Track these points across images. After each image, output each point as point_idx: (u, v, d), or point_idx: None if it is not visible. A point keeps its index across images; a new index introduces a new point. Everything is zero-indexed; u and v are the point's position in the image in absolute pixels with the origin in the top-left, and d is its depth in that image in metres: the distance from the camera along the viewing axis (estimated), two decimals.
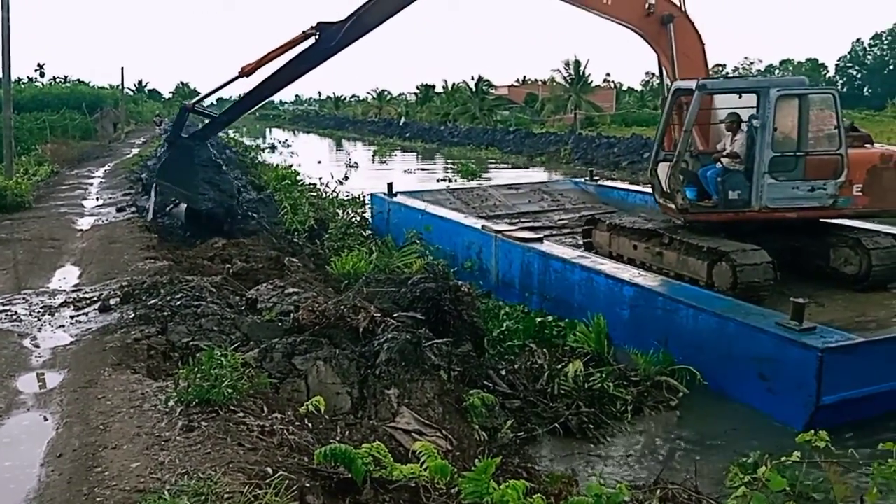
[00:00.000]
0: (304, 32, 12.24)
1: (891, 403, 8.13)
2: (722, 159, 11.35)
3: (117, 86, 60.28)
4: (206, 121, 14.00)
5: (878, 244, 10.85)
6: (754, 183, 10.89)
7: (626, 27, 12.72)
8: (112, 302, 8.21)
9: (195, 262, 10.50)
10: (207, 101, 14.70)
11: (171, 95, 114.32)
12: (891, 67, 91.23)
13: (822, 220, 11.53)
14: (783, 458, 4.37)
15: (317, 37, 12.18)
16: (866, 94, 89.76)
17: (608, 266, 11.14)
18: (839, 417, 7.85)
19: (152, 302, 7.86)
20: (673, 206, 11.47)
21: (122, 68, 77.76)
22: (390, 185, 18.04)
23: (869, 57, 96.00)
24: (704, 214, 11.32)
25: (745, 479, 4.35)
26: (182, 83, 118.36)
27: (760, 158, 10.80)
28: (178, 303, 7.68)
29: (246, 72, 12.81)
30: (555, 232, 15.46)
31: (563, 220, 16.85)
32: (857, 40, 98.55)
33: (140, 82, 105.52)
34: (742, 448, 7.42)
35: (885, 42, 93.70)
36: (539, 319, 10.86)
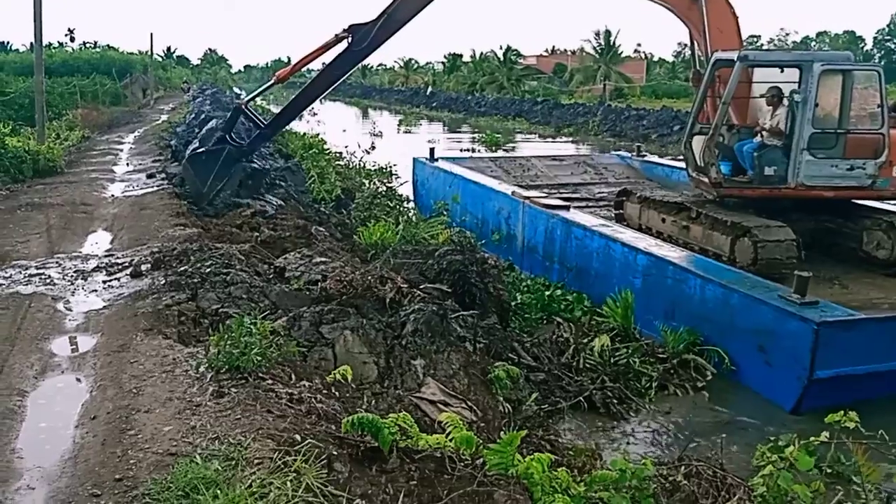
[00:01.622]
0: (336, 36, 12.15)
1: (892, 386, 8.02)
2: (762, 133, 11.12)
3: (146, 51, 60.64)
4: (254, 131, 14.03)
5: None
6: (792, 159, 10.66)
7: (656, 3, 12.44)
8: (143, 268, 8.33)
9: (224, 230, 10.58)
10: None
11: (199, 62, 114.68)
12: None
13: (856, 201, 11.31)
14: (812, 438, 4.35)
15: (349, 39, 12.04)
16: None
17: (626, 235, 11.15)
18: (833, 396, 7.78)
19: (182, 269, 7.95)
20: (706, 180, 11.30)
21: (151, 34, 77.91)
22: (432, 151, 18.75)
23: None
24: (738, 189, 11.14)
25: (772, 459, 4.34)
26: (210, 49, 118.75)
27: (800, 134, 10.55)
28: (208, 270, 7.76)
29: (281, 78, 13.10)
30: (591, 204, 15.38)
31: (602, 193, 16.71)
32: None
33: (168, 48, 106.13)
34: (769, 429, 7.43)
35: None
36: (548, 293, 10.95)
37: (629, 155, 20.09)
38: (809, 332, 7.76)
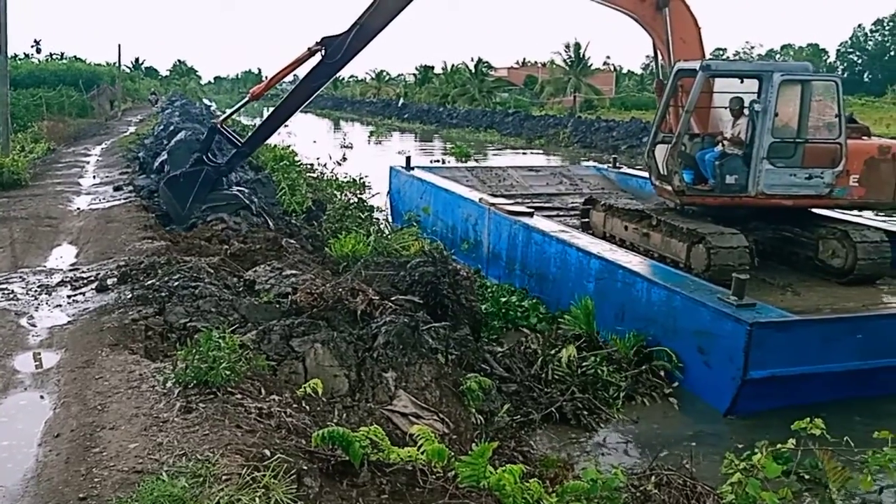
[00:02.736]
0: (309, 49, 12.08)
1: (827, 390, 8.16)
2: (724, 142, 11.30)
3: (114, 63, 59.95)
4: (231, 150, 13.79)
5: (866, 238, 10.76)
6: (752, 168, 10.84)
7: (621, 12, 12.60)
8: (109, 282, 8.19)
9: (192, 243, 10.46)
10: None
11: (168, 73, 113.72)
12: (892, 53, 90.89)
13: (813, 210, 11.55)
14: (779, 445, 4.40)
15: (322, 52, 11.98)
16: (867, 80, 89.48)
17: (582, 241, 11.31)
18: (766, 399, 8.03)
19: (150, 282, 7.84)
20: (669, 189, 11.47)
21: (119, 45, 77.41)
22: (408, 159, 18.92)
23: (870, 43, 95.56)
24: (700, 198, 11.31)
25: (740, 466, 4.38)
26: (179, 61, 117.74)
27: (759, 143, 10.74)
28: (176, 283, 7.66)
29: (255, 95, 12.99)
30: (562, 213, 15.56)
31: (576, 202, 16.84)
32: (859, 26, 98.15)
33: (137, 60, 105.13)
34: (737, 437, 7.51)
35: (887, 28, 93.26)
36: (504, 299, 11.07)
37: (605, 166, 20.35)
38: (743, 333, 7.91)
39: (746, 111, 11.17)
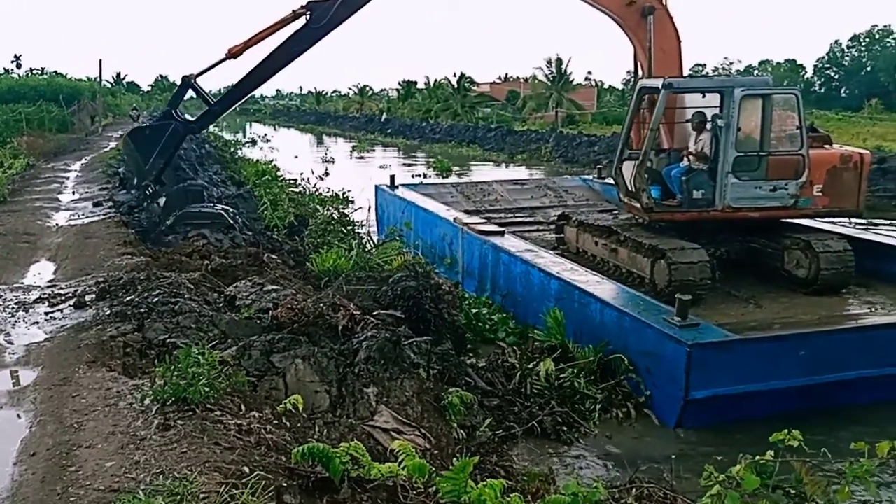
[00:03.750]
0: (293, 12, 11.80)
1: (772, 405, 8.25)
2: (689, 157, 11.41)
3: (95, 78, 59.45)
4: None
5: (829, 248, 10.87)
6: (718, 182, 10.96)
7: (607, 14, 12.67)
8: (87, 298, 8.13)
9: (173, 258, 10.40)
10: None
11: (149, 88, 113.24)
12: (868, 69, 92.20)
13: (779, 220, 11.67)
14: (757, 457, 4.42)
15: (307, 16, 11.73)
16: (843, 95, 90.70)
17: (544, 261, 11.34)
18: (712, 415, 8.14)
19: (129, 298, 7.78)
20: (638, 205, 11.54)
21: (100, 60, 76.45)
22: (392, 178, 18.88)
23: (847, 58, 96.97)
24: (669, 214, 11.38)
25: (719, 478, 4.40)
26: (161, 76, 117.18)
27: (724, 158, 10.86)
28: (156, 299, 7.61)
29: (233, 53, 12.28)
30: (542, 227, 15.57)
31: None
32: (836, 42, 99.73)
33: (118, 75, 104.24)
34: (717, 449, 7.54)
35: (863, 44, 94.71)
36: (475, 311, 11.12)
37: (590, 177, 20.44)
38: (683, 354, 7.97)
39: (708, 125, 11.30)
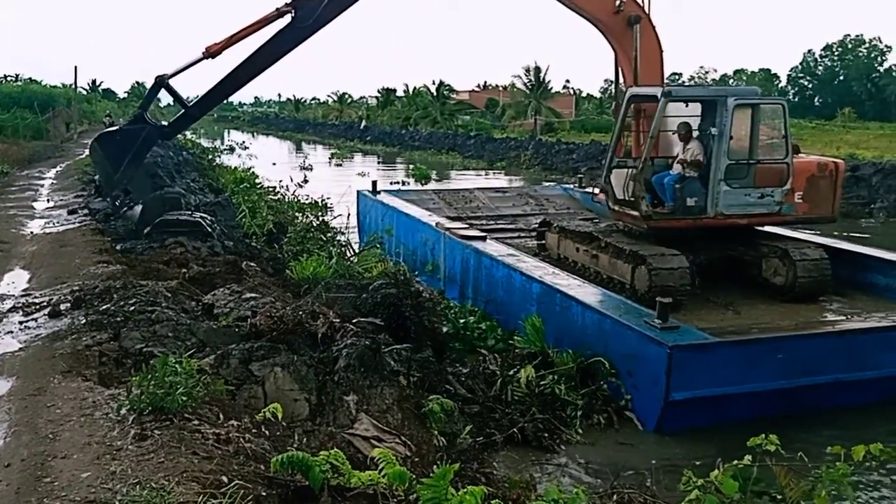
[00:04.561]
0: (277, 10, 11.17)
1: (751, 408, 8.35)
2: (682, 164, 11.48)
3: (70, 85, 58.84)
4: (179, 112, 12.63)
5: (806, 256, 11.06)
6: (710, 190, 11.10)
7: (593, 22, 12.69)
8: (62, 307, 8.01)
9: (150, 267, 10.28)
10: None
11: (125, 95, 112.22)
12: (841, 78, 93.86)
13: (757, 228, 11.89)
14: (735, 462, 4.46)
15: (292, 14, 11.12)
16: (817, 103, 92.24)
17: (526, 265, 11.42)
18: (692, 418, 8.22)
19: (104, 307, 7.68)
20: (635, 214, 11.56)
21: (76, 67, 76.04)
22: (374, 184, 18.97)
23: (820, 68, 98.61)
24: (666, 221, 11.46)
25: (698, 483, 4.43)
26: (137, 83, 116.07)
27: (717, 166, 11.01)
28: (132, 308, 7.52)
29: (212, 52, 11.52)
30: (523, 235, 15.66)
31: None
32: (809, 51, 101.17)
33: (94, 81, 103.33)
34: (696, 454, 7.59)
35: (836, 53, 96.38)
36: (462, 321, 11.12)
37: (571, 186, 20.60)
38: (664, 356, 8.07)
39: (695, 134, 11.45)
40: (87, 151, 33.22)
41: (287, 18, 11.32)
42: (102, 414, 5.26)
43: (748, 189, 11.15)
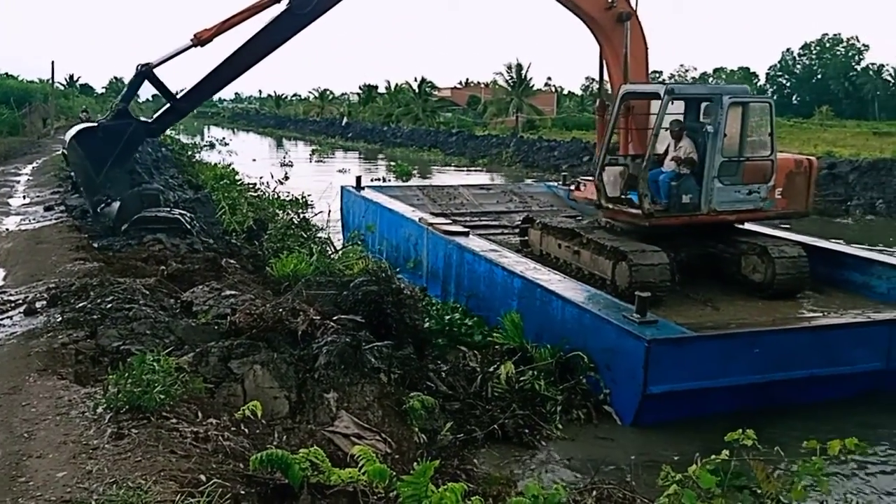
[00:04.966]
0: None
1: (728, 402, 8.47)
2: (675, 163, 11.51)
3: (47, 80, 58.06)
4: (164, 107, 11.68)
5: (784, 253, 11.22)
6: (704, 187, 11.21)
7: (584, 18, 12.69)
8: (38, 305, 7.90)
9: (128, 264, 10.17)
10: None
11: (103, 90, 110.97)
12: (818, 77, 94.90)
13: (737, 226, 12.05)
14: (713, 457, 4.49)
15: (289, 1, 10.54)
16: (795, 102, 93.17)
17: (508, 260, 11.48)
18: (669, 412, 8.33)
19: (81, 305, 7.58)
20: (635, 211, 11.56)
21: (53, 62, 75.29)
22: (359, 179, 18.93)
23: (798, 66, 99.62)
24: (665, 219, 11.47)
25: (676, 478, 4.46)
26: (116, 78, 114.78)
27: (711, 163, 11.12)
28: (109, 306, 7.44)
29: (202, 39, 10.82)
30: (507, 231, 15.70)
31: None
32: (787, 50, 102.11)
33: (71, 76, 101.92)
34: (677, 446, 7.65)
35: (814, 52, 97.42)
36: (448, 317, 11.13)
37: (555, 184, 20.72)
38: (642, 350, 8.16)
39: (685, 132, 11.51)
40: (63, 148, 32.86)
41: (283, 4, 10.77)
42: (78, 413, 5.19)
43: (738, 186, 11.30)
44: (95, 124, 10.58)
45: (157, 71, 11.33)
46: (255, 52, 10.86)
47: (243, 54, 10.90)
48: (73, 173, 10.94)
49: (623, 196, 11.79)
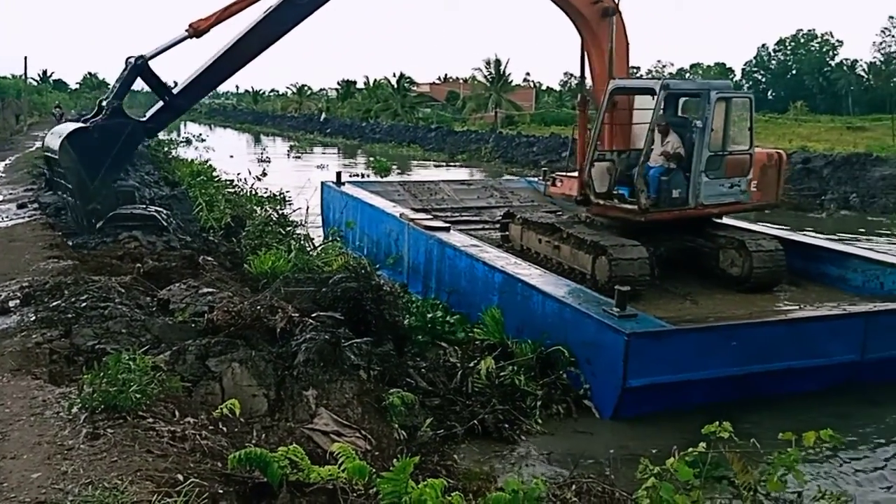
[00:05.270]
0: None
1: (706, 395, 8.57)
2: (663, 158, 11.57)
3: (20, 76, 57.31)
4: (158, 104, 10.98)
5: (761, 247, 11.35)
6: (692, 181, 11.31)
7: (570, 13, 12.70)
8: (11, 304, 7.78)
9: (103, 262, 10.05)
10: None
11: (77, 86, 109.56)
12: (793, 72, 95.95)
13: (715, 220, 12.20)
14: (690, 449, 4.54)
15: None
16: (770, 97, 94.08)
17: (488, 255, 11.51)
18: (648, 405, 8.41)
19: (55, 304, 7.49)
20: (627, 207, 11.59)
21: (26, 57, 73.99)
22: (339, 175, 18.85)
23: (773, 62, 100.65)
24: (658, 214, 11.49)
25: (654, 471, 4.50)
26: (90, 73, 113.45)
27: (699, 158, 11.21)
28: (84, 304, 7.35)
29: (199, 30, 10.30)
30: (487, 227, 15.73)
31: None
32: (763, 45, 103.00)
33: (45, 72, 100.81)
34: (656, 439, 7.71)
35: (789, 47, 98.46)
36: (430, 315, 11.09)
37: (536, 179, 20.70)
38: (621, 343, 8.23)
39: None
40: (37, 144, 32.39)
41: None
42: (53, 413, 5.12)
43: (721, 179, 11.44)
44: (89, 124, 9.86)
45: (151, 64, 10.80)
46: (254, 45, 10.47)
47: (242, 47, 10.46)
48: (60, 178, 10.02)
49: (614, 192, 11.83)
